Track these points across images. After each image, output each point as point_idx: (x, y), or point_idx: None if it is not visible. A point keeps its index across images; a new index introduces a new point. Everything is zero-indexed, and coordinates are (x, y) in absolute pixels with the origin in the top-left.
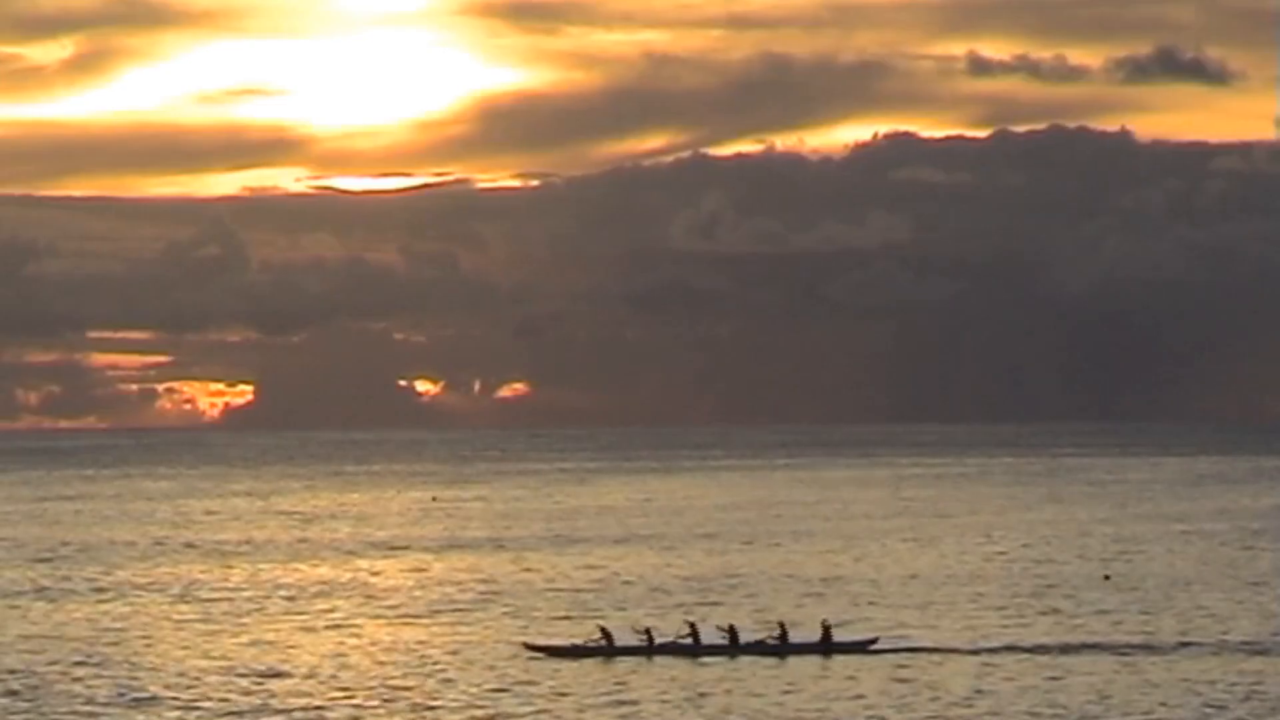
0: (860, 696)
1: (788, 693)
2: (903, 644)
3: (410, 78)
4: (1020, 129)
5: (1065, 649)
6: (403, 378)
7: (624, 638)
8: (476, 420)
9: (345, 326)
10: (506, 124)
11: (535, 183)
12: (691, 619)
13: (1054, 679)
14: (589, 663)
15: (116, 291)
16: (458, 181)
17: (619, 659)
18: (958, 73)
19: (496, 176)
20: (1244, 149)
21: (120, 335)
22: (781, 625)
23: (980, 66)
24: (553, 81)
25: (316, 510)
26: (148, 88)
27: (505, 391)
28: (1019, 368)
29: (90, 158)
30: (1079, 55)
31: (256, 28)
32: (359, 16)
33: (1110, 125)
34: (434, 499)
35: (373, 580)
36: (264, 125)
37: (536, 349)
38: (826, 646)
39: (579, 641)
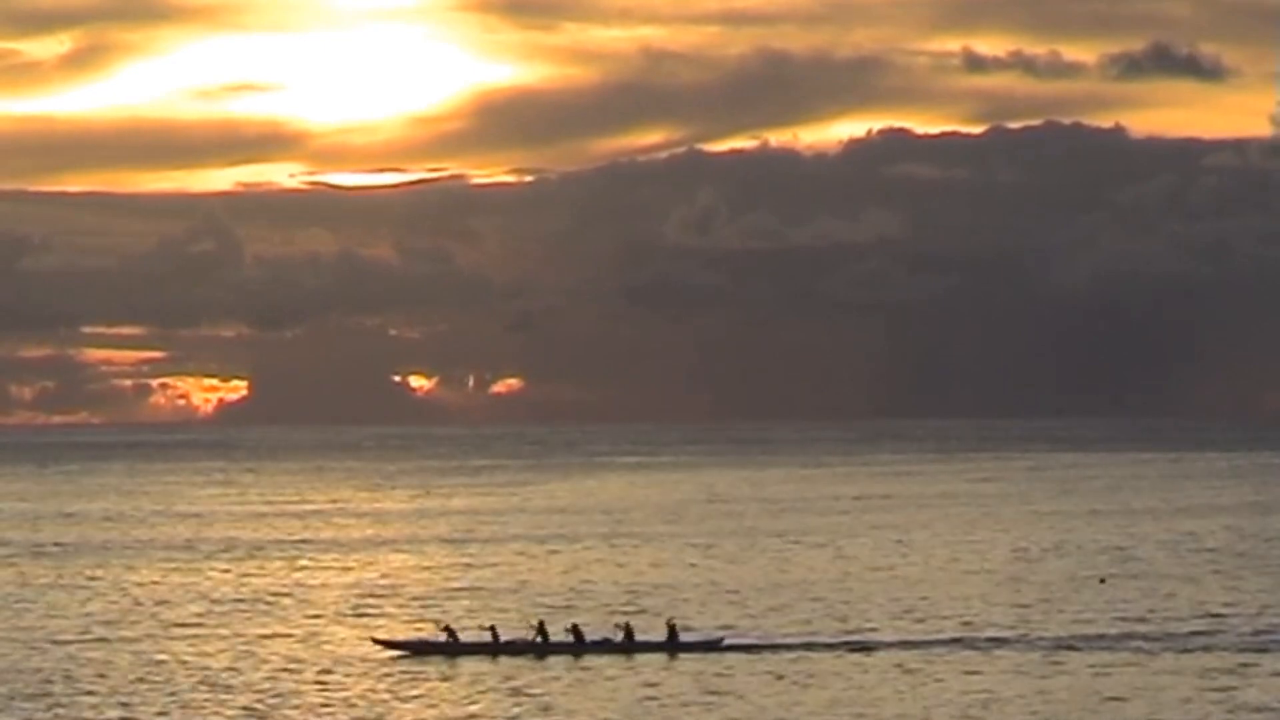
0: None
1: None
2: (751, 641)
3: (406, 73)
4: (1015, 125)
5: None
6: (397, 373)
7: (471, 636)
8: (470, 416)
9: (339, 322)
10: (502, 120)
11: (530, 178)
12: (541, 618)
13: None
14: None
15: (110, 287)
16: (452, 177)
17: (463, 657)
18: (953, 69)
19: (492, 172)
20: (1238, 145)
21: (114, 330)
22: (627, 625)
23: (975, 63)
24: (549, 77)
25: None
26: (144, 83)
27: (499, 387)
28: (1013, 364)
29: (86, 153)
30: (1074, 51)
31: (253, 23)
32: (355, 12)
33: (1105, 121)
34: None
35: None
36: (260, 120)
37: (530, 345)
38: (673, 645)
39: (425, 638)
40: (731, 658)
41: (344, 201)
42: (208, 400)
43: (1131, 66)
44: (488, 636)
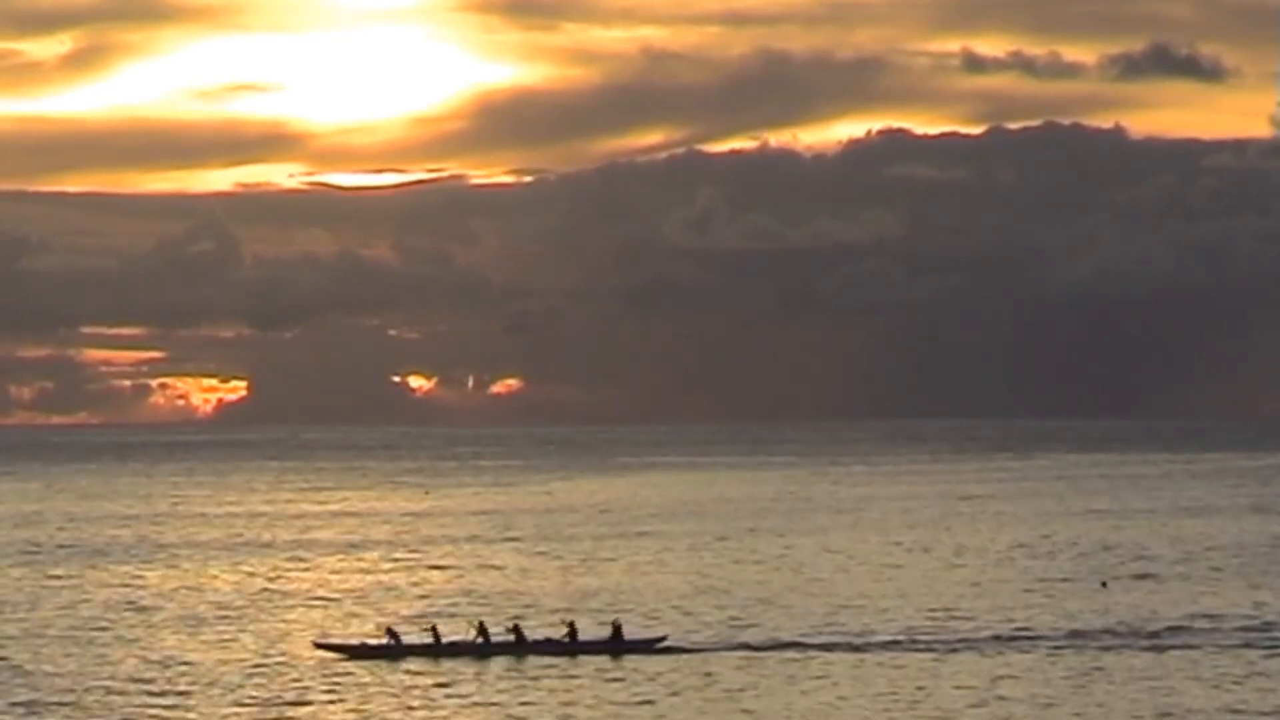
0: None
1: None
2: (690, 642)
3: (406, 74)
4: (1014, 126)
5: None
6: (396, 373)
7: (413, 638)
8: (469, 416)
9: (338, 322)
10: (503, 120)
11: (529, 179)
12: (481, 619)
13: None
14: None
15: (110, 287)
16: (452, 178)
17: (406, 658)
18: (952, 69)
19: (492, 173)
20: (1238, 146)
21: (113, 331)
22: (571, 625)
23: (975, 63)
24: (550, 78)
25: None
26: (145, 83)
27: (498, 387)
28: (1013, 364)
29: (87, 153)
30: (1073, 52)
31: (253, 24)
32: (355, 12)
33: (1104, 122)
34: (426, 493)
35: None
36: (260, 121)
37: (529, 345)
38: (616, 645)
39: (368, 641)
40: (673, 658)
41: (343, 202)
42: (207, 400)
43: (1131, 67)
44: (429, 638)
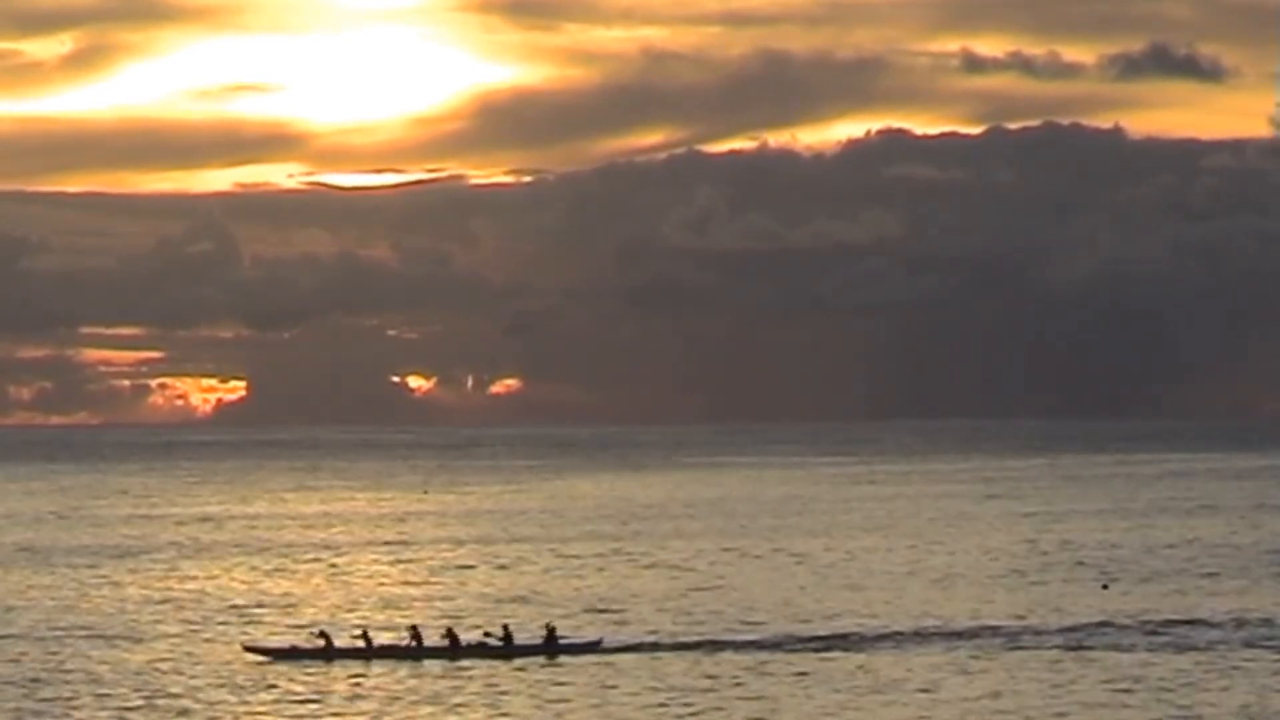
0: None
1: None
2: (630, 643)
3: (406, 74)
4: (1014, 126)
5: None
6: (395, 374)
7: (345, 641)
8: (469, 416)
9: (338, 322)
10: (503, 120)
11: (528, 179)
12: (415, 623)
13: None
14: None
15: (109, 287)
16: (451, 178)
17: (338, 662)
18: (952, 69)
19: (491, 173)
20: (1237, 146)
21: (112, 331)
22: (505, 628)
23: (974, 63)
24: (550, 78)
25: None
26: (145, 84)
27: (497, 387)
28: (1011, 364)
29: (87, 153)
30: (1073, 52)
31: (253, 24)
32: (355, 12)
33: (1103, 122)
34: (425, 492)
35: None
36: (260, 121)
37: (529, 345)
38: (551, 648)
39: (298, 643)
40: (611, 659)
41: (343, 202)
42: (206, 401)
43: (1130, 67)
44: (361, 642)
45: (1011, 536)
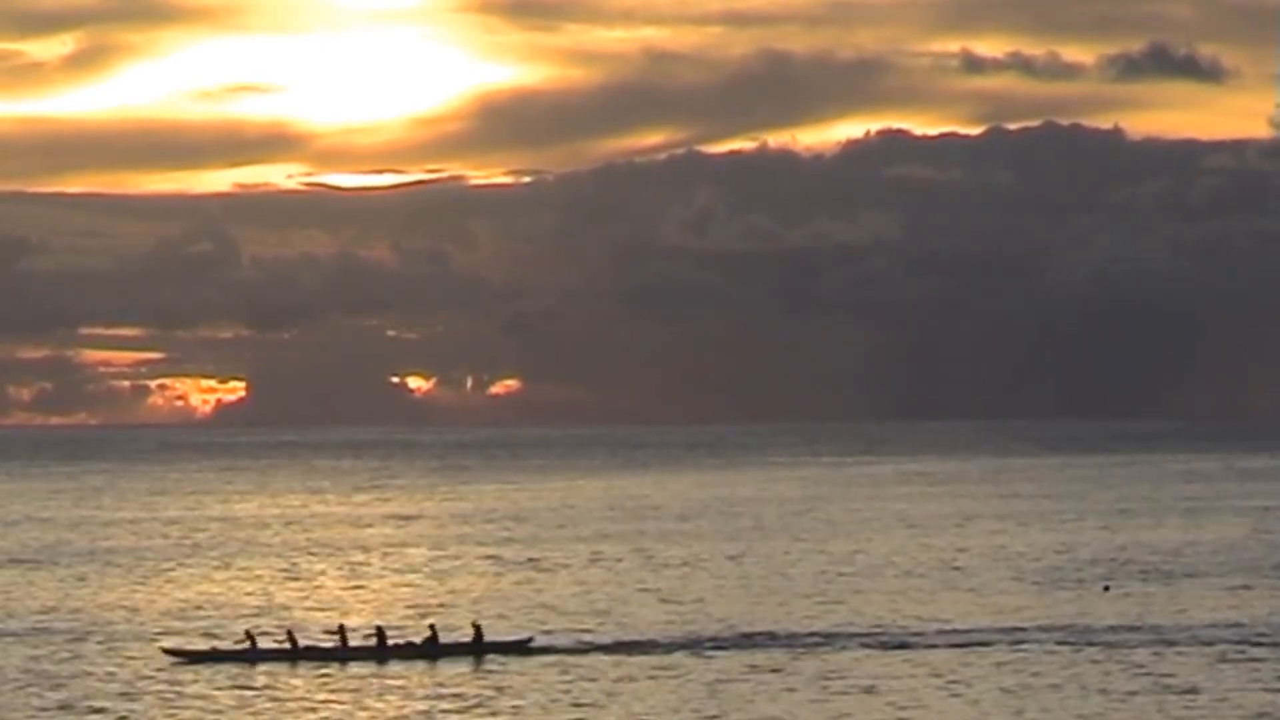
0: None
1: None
2: (559, 643)
3: (407, 74)
4: (1013, 126)
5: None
6: (395, 374)
7: (268, 641)
8: (468, 417)
9: (337, 323)
10: (504, 121)
11: (527, 179)
12: (341, 622)
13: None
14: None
15: (108, 288)
16: (451, 178)
17: (260, 663)
18: (951, 70)
19: (492, 173)
20: (1236, 146)
21: (112, 331)
22: (432, 627)
23: (974, 64)
24: (551, 78)
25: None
26: (146, 84)
27: (497, 388)
28: (1011, 365)
29: (88, 154)
30: (1072, 52)
31: (254, 25)
32: (356, 13)
33: (1103, 123)
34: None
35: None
36: (260, 122)
37: (528, 345)
38: (479, 647)
39: (220, 645)
40: (539, 659)
41: (342, 202)
42: (206, 401)
43: (1130, 67)
44: (285, 642)
45: (1010, 537)
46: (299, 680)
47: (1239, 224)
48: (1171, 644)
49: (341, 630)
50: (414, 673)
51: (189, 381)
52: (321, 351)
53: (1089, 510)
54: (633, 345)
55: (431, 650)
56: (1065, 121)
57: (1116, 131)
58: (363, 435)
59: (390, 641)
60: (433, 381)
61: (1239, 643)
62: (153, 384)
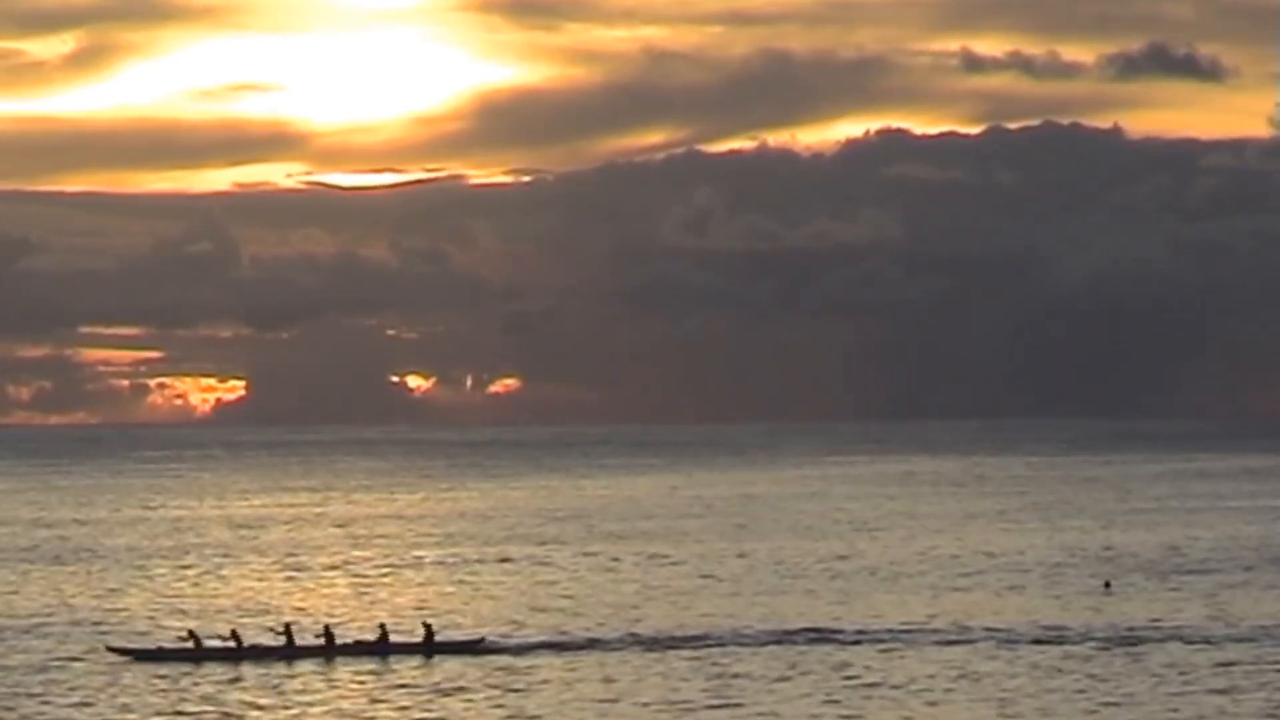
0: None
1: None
2: (512, 643)
3: (408, 74)
4: (1013, 125)
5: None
6: (394, 373)
7: (213, 640)
8: (468, 416)
9: (337, 322)
10: (504, 120)
11: (527, 179)
12: (287, 620)
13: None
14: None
15: (108, 287)
16: (450, 177)
17: (205, 662)
18: (951, 69)
19: (491, 173)
20: (1236, 146)
21: (111, 331)
22: (382, 626)
23: (974, 63)
24: (551, 77)
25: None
26: (147, 83)
27: (497, 387)
28: (1011, 364)
29: (89, 153)
30: (1072, 52)
31: (255, 24)
32: (357, 12)
33: (1103, 122)
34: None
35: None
36: (261, 121)
37: (528, 345)
38: (429, 647)
39: (164, 644)
40: (490, 659)
41: (341, 202)
42: (205, 400)
43: (1129, 67)
44: (230, 641)
45: (1010, 536)
46: (246, 679)
47: (1239, 224)
48: (1171, 643)
49: (288, 629)
50: (363, 671)
51: (189, 381)
52: (321, 351)
53: (1089, 510)
54: (632, 345)
55: (381, 649)
56: (1065, 121)
57: (1116, 131)
58: (351, 435)
59: (339, 641)
60: (432, 381)
61: (1239, 642)
62: (152, 383)
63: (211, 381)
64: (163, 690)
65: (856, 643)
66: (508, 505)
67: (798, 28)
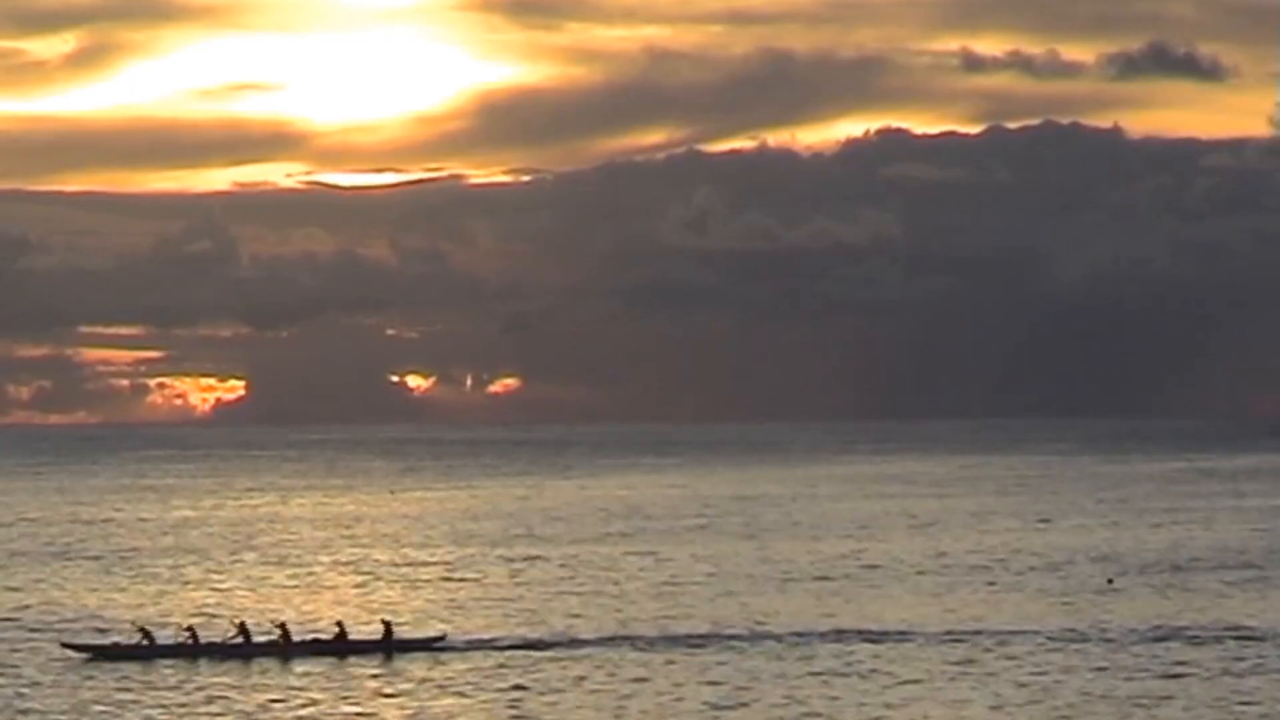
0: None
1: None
2: (472, 641)
3: (409, 73)
4: (1013, 125)
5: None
6: (394, 373)
7: (168, 637)
8: (468, 416)
9: (336, 322)
10: (505, 120)
11: (527, 178)
12: (242, 619)
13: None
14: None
15: (107, 286)
16: (450, 177)
17: (159, 659)
18: (951, 69)
19: (491, 172)
20: (1236, 145)
21: (111, 330)
22: (340, 624)
23: (974, 63)
24: (552, 77)
25: None
26: (148, 83)
27: (496, 386)
28: (1010, 364)
29: (89, 153)
30: (1072, 51)
31: (256, 24)
32: (358, 12)
33: (1103, 121)
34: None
35: None
36: (261, 120)
37: (527, 344)
38: (388, 645)
39: (119, 640)
40: (449, 657)
41: (341, 201)
42: (205, 400)
43: (1130, 66)
44: (186, 638)
45: (1010, 535)
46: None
47: (1238, 223)
48: (1171, 641)
49: (243, 627)
50: (320, 669)
51: (188, 380)
52: (321, 350)
53: (1090, 508)
54: (632, 344)
55: (339, 647)
56: (1065, 120)
57: (1116, 130)
58: (348, 435)
59: (295, 638)
60: (432, 380)
61: (1240, 641)
62: (152, 382)
63: (211, 381)
64: (118, 687)
65: (856, 642)
66: (498, 504)
67: (798, 27)
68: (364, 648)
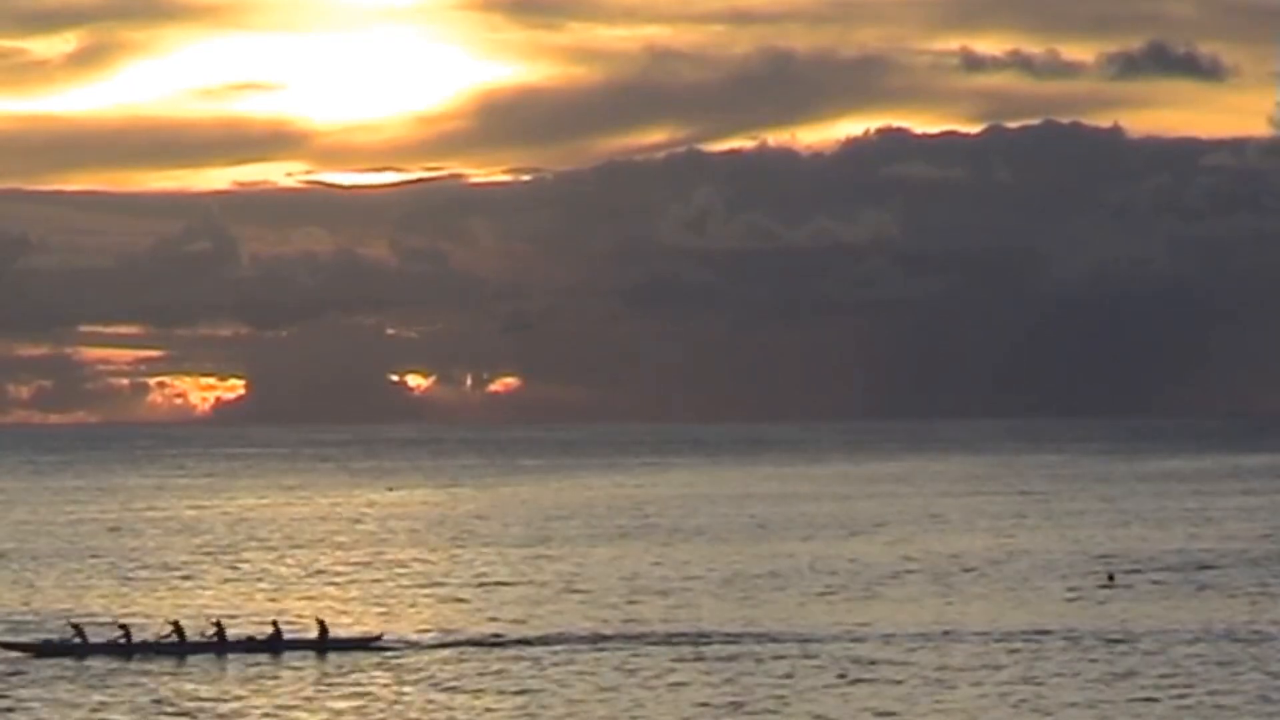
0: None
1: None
2: (408, 641)
3: (409, 73)
4: (1013, 125)
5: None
6: (394, 372)
7: (102, 635)
8: (468, 415)
9: (336, 321)
10: (504, 119)
11: (527, 178)
12: (176, 618)
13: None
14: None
15: (107, 286)
16: (451, 177)
17: (93, 656)
18: (951, 69)
19: (491, 171)
20: (1236, 145)
21: (111, 330)
22: (275, 623)
23: (974, 62)
24: (552, 76)
25: None
26: (148, 82)
27: (496, 386)
28: (1010, 363)
29: (90, 152)
30: (1072, 51)
31: (256, 23)
32: (358, 11)
33: (1103, 121)
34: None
35: None
36: (262, 120)
37: (527, 344)
38: (323, 644)
39: (52, 638)
40: (383, 656)
41: (341, 201)
42: (205, 399)
43: (1130, 66)
44: (119, 636)
45: (1010, 534)
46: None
47: (1238, 223)
48: (1172, 639)
49: (177, 625)
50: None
51: (188, 379)
52: (321, 349)
53: (1090, 507)
54: (632, 344)
55: (274, 646)
56: (1065, 120)
57: (1116, 130)
58: (344, 434)
59: (230, 636)
60: (432, 380)
61: (1239, 640)
62: (152, 382)
63: (211, 380)
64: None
65: (855, 641)
66: (487, 503)
67: (799, 27)
68: (298, 646)
